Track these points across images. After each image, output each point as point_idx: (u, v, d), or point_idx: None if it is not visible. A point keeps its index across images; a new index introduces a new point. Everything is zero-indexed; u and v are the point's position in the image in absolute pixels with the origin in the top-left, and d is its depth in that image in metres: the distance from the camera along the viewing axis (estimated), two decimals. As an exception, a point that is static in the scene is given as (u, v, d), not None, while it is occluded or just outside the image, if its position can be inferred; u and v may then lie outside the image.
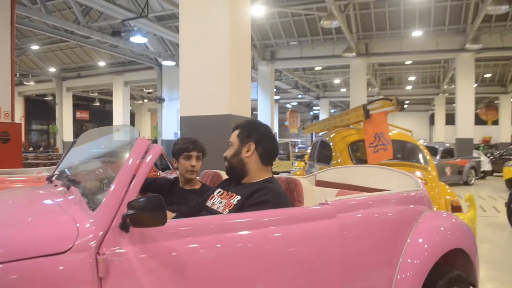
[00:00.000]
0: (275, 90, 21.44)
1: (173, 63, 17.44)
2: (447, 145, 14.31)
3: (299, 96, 30.84)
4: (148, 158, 1.47)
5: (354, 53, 15.79)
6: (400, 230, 2.30)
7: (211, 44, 4.45)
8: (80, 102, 29.78)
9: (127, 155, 1.56)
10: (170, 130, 18.57)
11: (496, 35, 15.00)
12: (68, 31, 14.27)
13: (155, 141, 23.23)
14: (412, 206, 2.44)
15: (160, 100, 18.59)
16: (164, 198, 2.56)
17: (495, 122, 28.76)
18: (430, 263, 2.27)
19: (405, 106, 4.57)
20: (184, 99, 4.65)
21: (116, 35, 13.33)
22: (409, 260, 2.23)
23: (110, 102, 24.29)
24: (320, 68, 22.71)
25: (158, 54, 17.32)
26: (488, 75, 23.38)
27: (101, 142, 2.28)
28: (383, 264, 2.19)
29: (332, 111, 37.56)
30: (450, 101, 30.22)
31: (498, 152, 21.41)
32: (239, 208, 1.92)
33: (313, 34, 16.89)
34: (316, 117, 42.25)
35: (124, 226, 1.38)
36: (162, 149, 1.50)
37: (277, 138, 18.07)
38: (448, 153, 13.39)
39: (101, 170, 2.04)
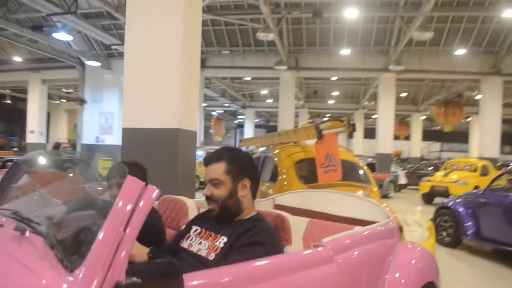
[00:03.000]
0: (203, 97, 21.15)
1: (98, 64, 16.48)
2: (369, 159, 14.98)
3: (226, 105, 30.76)
4: (141, 203, 1.19)
5: (285, 66, 16.02)
6: (383, 265, 2.23)
7: (161, 51, 4.14)
8: (-14, 99, 27.11)
9: (107, 193, 1.27)
10: (92, 134, 17.48)
11: (415, 58, 16.05)
12: (-21, 21, 12.87)
13: (73, 145, 21.77)
14: (390, 239, 2.38)
15: (82, 101, 17.43)
16: None
17: (407, 138, 30.80)
18: None
19: (355, 127, 4.59)
20: (128, 109, 4.27)
21: (37, 29, 12.22)
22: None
23: (24, 100, 22.31)
24: (249, 78, 22.80)
25: (82, 53, 16.26)
26: (404, 94, 24.99)
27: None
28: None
29: (257, 120, 38.01)
30: (368, 116, 32.05)
31: (411, 166, 22.95)
32: (227, 251, 1.68)
33: (245, 45, 16.91)
34: (240, 125, 42.46)
35: None
36: (159, 193, 1.23)
37: (204, 146, 17.84)
38: (370, 167, 13.98)
39: (69, 209, 1.69)
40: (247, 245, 1.67)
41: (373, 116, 32.26)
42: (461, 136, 30.07)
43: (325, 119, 4.65)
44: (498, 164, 15.91)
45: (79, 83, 18.11)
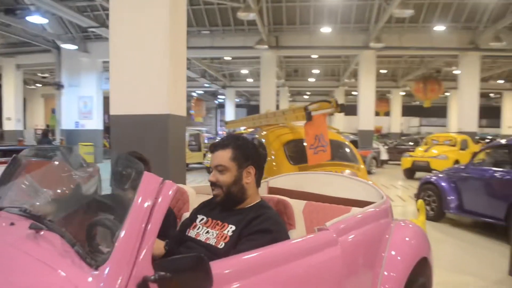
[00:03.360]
0: (183, 79, 20.91)
1: (75, 47, 16.08)
2: (351, 137, 15.16)
3: (206, 85, 30.48)
4: (160, 199, 1.21)
5: (266, 46, 15.92)
6: (380, 244, 2.31)
7: (148, 37, 4.07)
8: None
9: (121, 190, 1.27)
10: (71, 119, 17.16)
11: (395, 35, 16.13)
12: None
13: (51, 131, 21.34)
14: (384, 219, 2.45)
15: (59, 86, 17.03)
16: None
17: (386, 114, 31.18)
18: (406, 275, 2.32)
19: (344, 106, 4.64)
20: (115, 95, 4.21)
21: (10, 13, 11.80)
22: (389, 274, 2.25)
23: (-2, 86, 21.70)
24: (229, 58, 22.60)
25: (57, 36, 15.83)
26: (384, 71, 25.18)
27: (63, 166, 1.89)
28: (371, 279, 2.19)
29: (237, 100, 37.88)
30: (348, 93, 32.27)
31: (391, 141, 23.33)
32: (236, 239, 1.71)
33: (225, 24, 16.70)
34: (221, 105, 42.24)
35: None
36: (176, 188, 1.25)
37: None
38: (353, 144, 14.20)
39: (85, 205, 1.68)
40: (255, 232, 1.71)
41: (353, 93, 32.52)
42: (439, 111, 30.57)
43: (313, 103, 4.62)
44: (477, 138, 16.31)
45: (55, 67, 17.65)
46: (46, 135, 13.73)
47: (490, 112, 31.94)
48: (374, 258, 2.26)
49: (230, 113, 34.06)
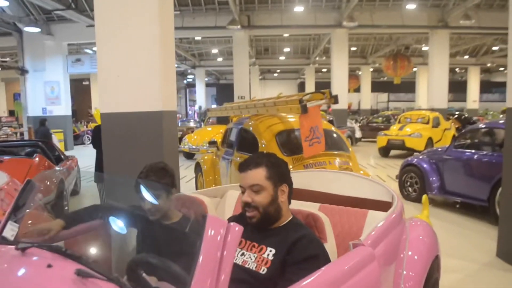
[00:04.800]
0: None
1: (38, 30, 15.34)
2: (328, 116, 15.27)
3: (175, 65, 29.88)
4: (229, 237, 1.14)
5: (238, 26, 15.67)
6: (400, 246, 2.34)
7: (137, 30, 3.89)
8: None
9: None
10: (37, 105, 16.51)
11: (366, 13, 16.19)
12: None
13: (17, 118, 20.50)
14: (402, 221, 2.48)
15: (23, 71, 16.29)
16: (139, 232, 2.19)
17: (356, 90, 31.54)
18: (425, 273, 2.37)
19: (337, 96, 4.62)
20: (104, 92, 4.03)
21: (-32, -4, 11.11)
22: (409, 273, 2.29)
23: (-46, 72, 20.57)
24: (199, 38, 22.17)
25: (18, 19, 15.03)
26: (354, 48, 25.33)
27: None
28: (393, 280, 2.22)
29: (207, 79, 37.41)
30: (318, 71, 32.42)
31: (362, 118, 23.69)
32: (279, 264, 1.67)
33: (195, 4, 16.31)
34: (190, 85, 41.62)
35: None
36: (241, 230, 1.19)
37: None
38: (330, 123, 14.33)
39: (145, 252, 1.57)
40: (304, 260, 1.66)
41: (323, 70, 32.72)
42: (407, 86, 31.16)
43: (306, 95, 4.56)
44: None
45: (17, 51, 16.84)
46: (43, 124, 12.96)
47: (456, 87, 32.82)
48: (397, 260, 2.29)
49: (200, 93, 33.63)
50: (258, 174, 1.82)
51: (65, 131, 16.50)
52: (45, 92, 16.53)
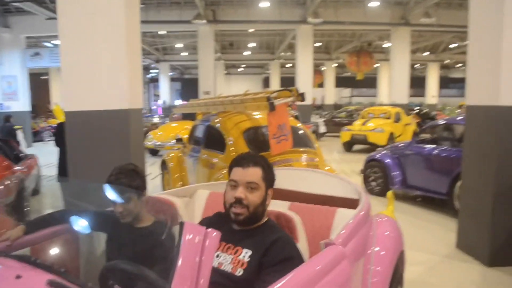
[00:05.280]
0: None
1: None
2: (292, 112, 15.39)
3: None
4: (207, 243, 1.15)
5: (204, 20, 15.54)
6: (367, 242, 2.40)
7: (102, 24, 3.79)
8: None
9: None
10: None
11: (331, 9, 16.41)
12: None
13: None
14: (369, 218, 2.54)
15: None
16: (108, 236, 2.15)
17: (320, 85, 31.96)
18: (392, 268, 2.45)
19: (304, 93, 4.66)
20: (68, 89, 3.90)
21: None
22: (376, 268, 2.36)
23: None
24: (164, 32, 21.84)
25: (-29, 10, 14.36)
26: (318, 44, 25.63)
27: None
28: (364, 276, 2.29)
29: (171, 73, 36.96)
30: (283, 66, 32.64)
31: (326, 113, 24.04)
32: (256, 266, 1.68)
33: (160, -3, 16.08)
34: (154, 80, 40.96)
35: None
36: (219, 235, 1.19)
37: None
38: (295, 119, 14.47)
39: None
40: (279, 262, 1.68)
41: (287, 65, 32.96)
42: (370, 82, 31.81)
43: (274, 92, 4.60)
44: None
45: (-29, 43, 16.07)
46: (8, 120, 12.36)
47: (415, 83, 33.80)
48: (364, 256, 2.35)
49: (164, 88, 33.20)
50: (257, 173, 1.84)
51: (24, 128, 15.90)
52: (2, 87, 15.87)
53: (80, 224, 2.09)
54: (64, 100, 3.91)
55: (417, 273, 4.03)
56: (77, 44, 3.85)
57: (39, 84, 29.76)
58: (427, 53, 28.31)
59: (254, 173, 1.83)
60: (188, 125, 12.88)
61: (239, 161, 1.88)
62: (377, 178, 7.36)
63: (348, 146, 13.84)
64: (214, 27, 17.43)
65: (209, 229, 1.19)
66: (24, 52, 16.12)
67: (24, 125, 15.98)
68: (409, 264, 3.64)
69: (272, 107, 4.31)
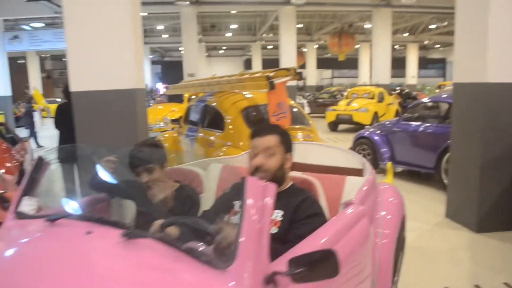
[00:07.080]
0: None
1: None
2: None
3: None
4: (266, 199, 1.34)
5: (187, 2, 15.44)
6: (376, 206, 2.62)
7: (109, 6, 3.87)
8: None
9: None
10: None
11: (313, -10, 16.51)
12: None
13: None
14: (375, 183, 2.77)
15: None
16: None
17: (301, 67, 32.09)
18: (397, 231, 2.67)
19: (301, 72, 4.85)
20: (74, 69, 3.97)
21: None
22: (384, 231, 2.58)
23: None
24: (145, 14, 21.53)
25: None
26: (299, 25, 25.67)
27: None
28: (373, 239, 2.50)
29: (151, 56, 36.55)
30: (264, 47, 32.60)
31: (308, 94, 24.25)
32: (288, 224, 1.88)
33: (141, -22, 15.82)
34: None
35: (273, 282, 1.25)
36: (275, 187, 1.38)
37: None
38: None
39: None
40: (308, 217, 1.89)
41: (268, 47, 32.95)
42: (350, 63, 32.09)
43: (272, 72, 4.76)
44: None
45: None
46: None
47: (396, 63, 34.22)
48: (374, 220, 2.58)
49: (145, 71, 32.78)
50: (273, 139, 2.01)
51: (6, 113, 15.63)
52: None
53: (116, 193, 2.27)
54: (70, 81, 4.00)
55: (410, 239, 4.28)
56: (83, 25, 3.92)
57: (16, 69, 29.08)
58: (407, 34, 28.69)
59: (271, 140, 2.01)
60: (174, 107, 12.94)
61: (257, 132, 2.08)
62: (366, 155, 7.63)
63: (334, 126, 14.13)
64: (197, 9, 17.33)
65: (268, 183, 1.38)
66: (3, 36, 15.76)
67: (6, 110, 15.71)
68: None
69: (272, 86, 4.48)
